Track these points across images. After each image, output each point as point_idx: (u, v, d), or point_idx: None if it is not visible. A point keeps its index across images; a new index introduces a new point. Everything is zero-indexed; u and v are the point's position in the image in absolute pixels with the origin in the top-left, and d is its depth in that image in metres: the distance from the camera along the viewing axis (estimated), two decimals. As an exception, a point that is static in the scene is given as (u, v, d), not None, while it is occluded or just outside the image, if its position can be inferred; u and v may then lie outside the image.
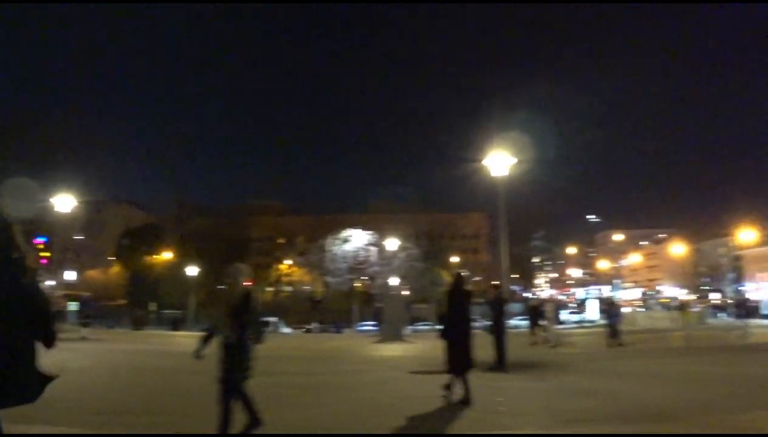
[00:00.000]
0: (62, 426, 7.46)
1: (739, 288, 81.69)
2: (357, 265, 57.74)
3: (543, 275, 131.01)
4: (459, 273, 10.38)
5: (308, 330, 52.71)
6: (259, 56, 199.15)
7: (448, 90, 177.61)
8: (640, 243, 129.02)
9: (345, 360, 19.51)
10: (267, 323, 7.47)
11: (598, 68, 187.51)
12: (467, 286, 10.10)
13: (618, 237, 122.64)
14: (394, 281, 48.60)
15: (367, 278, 58.46)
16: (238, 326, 6.08)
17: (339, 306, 59.21)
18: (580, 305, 75.50)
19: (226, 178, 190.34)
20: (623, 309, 43.60)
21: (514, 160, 18.17)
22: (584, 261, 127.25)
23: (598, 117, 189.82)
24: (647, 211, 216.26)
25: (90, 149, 60.80)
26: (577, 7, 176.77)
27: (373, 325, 45.09)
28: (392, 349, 23.16)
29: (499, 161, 17.72)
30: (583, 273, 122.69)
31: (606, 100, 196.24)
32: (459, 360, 9.33)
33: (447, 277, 60.01)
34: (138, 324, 47.30)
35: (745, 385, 11.43)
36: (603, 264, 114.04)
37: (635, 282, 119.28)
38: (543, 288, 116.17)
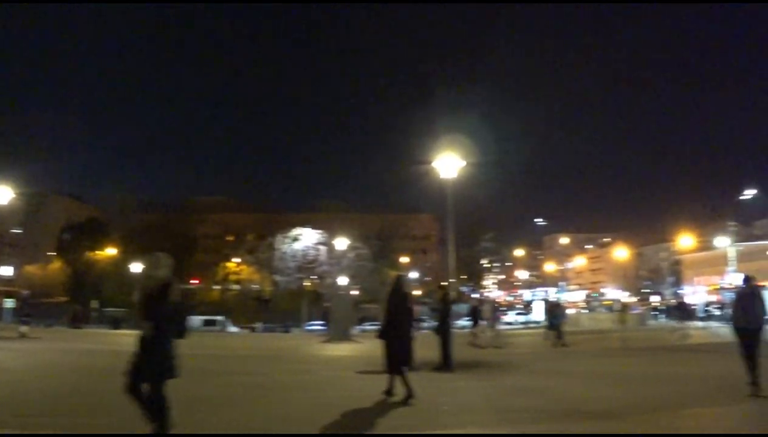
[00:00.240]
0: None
1: (678, 291, 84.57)
2: (306, 264, 57.19)
3: (491, 276, 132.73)
4: (399, 275, 10.48)
5: (254, 330, 52.10)
6: (211, 51, 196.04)
7: (400, 92, 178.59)
8: (585, 246, 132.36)
9: (291, 359, 19.32)
10: (188, 317, 7.24)
11: (548, 74, 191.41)
12: (407, 287, 10.19)
13: (564, 240, 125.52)
14: (343, 281, 48.42)
15: (316, 277, 58.04)
16: (152, 318, 5.71)
17: (287, 305, 58.66)
18: (527, 306, 76.87)
19: (175, 173, 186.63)
20: (568, 311, 44.58)
21: (463, 163, 18.34)
22: (532, 264, 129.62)
23: (548, 122, 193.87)
24: (593, 215, 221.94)
25: (30, 140, 58.81)
26: (526, 10, 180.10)
27: (321, 325, 44.85)
28: (339, 349, 23.05)
29: (448, 163, 17.85)
30: (530, 275, 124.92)
31: (555, 106, 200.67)
32: (397, 359, 9.40)
33: (407, 279, 60.37)
34: (76, 321, 45.45)
35: (683, 383, 11.79)
36: (549, 267, 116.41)
37: (580, 284, 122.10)
38: (491, 290, 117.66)
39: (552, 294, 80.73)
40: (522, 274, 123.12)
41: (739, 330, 10.07)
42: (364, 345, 24.02)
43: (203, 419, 7.94)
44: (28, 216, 74.84)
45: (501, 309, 74.70)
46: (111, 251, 64.28)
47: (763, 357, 9.80)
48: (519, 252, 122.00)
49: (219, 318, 51.45)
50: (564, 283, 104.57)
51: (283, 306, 60.81)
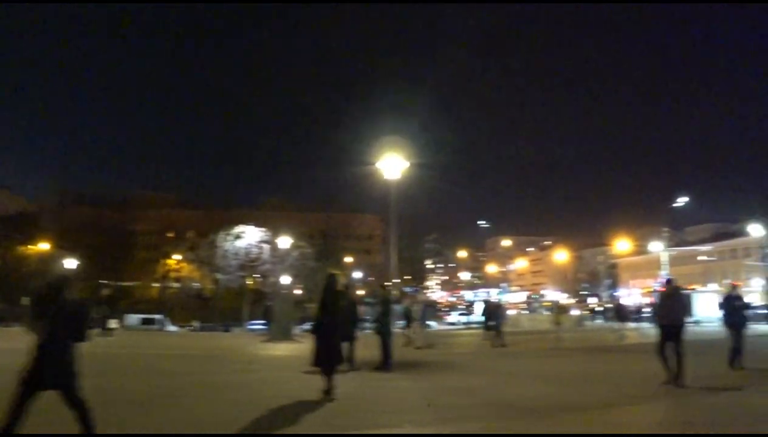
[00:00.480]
0: None
1: (614, 293, 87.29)
2: (249, 263, 56.46)
3: (435, 277, 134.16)
4: (332, 273, 10.55)
5: (194, 329, 51.00)
6: (153, 46, 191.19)
7: (345, 92, 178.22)
8: (527, 249, 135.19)
9: (229, 359, 18.97)
10: (89, 318, 6.87)
11: (493, 78, 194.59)
12: (340, 287, 10.41)
13: (506, 242, 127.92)
14: (286, 280, 48.01)
15: (259, 276, 57.35)
16: (44, 320, 5.35)
17: (229, 304, 57.72)
18: (469, 307, 77.82)
19: (114, 168, 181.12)
20: (508, 312, 45.30)
21: (407, 164, 18.40)
22: (474, 265, 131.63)
23: (492, 126, 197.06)
24: (535, 219, 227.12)
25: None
26: (473, 12, 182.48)
27: (262, 324, 44.25)
28: (280, 349, 22.78)
29: (392, 164, 17.88)
30: (473, 276, 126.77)
31: (499, 110, 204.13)
32: (325, 356, 9.55)
33: (340, 277, 60.17)
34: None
35: (616, 382, 12.15)
36: (492, 268, 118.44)
37: (521, 285, 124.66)
38: (434, 290, 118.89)
39: (494, 295, 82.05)
40: (465, 275, 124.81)
41: (663, 327, 11.03)
42: (305, 345, 23.76)
43: (130, 419, 7.75)
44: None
45: (444, 309, 75.63)
46: (44, 246, 61.80)
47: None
48: (462, 254, 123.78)
49: (157, 316, 50.15)
50: (506, 284, 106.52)
51: (224, 304, 59.82)
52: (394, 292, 18.72)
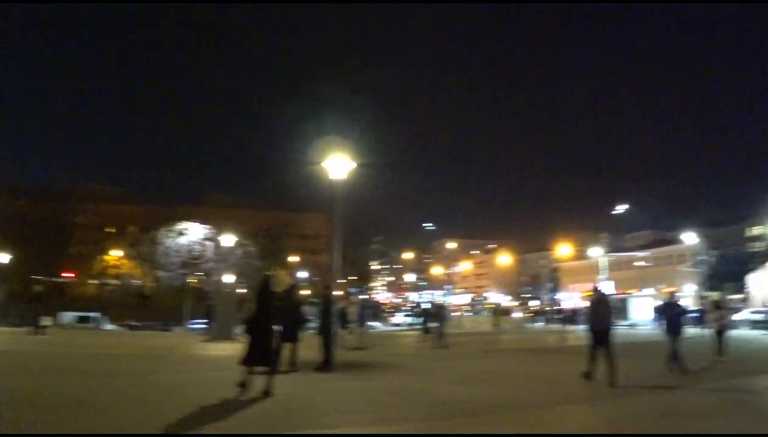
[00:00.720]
0: None
1: (554, 297, 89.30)
2: (191, 260, 55.26)
3: (381, 279, 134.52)
4: (267, 274, 10.75)
5: (132, 327, 49.59)
6: (96, 37, 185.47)
7: (292, 89, 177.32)
8: (472, 252, 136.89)
9: (167, 359, 18.49)
10: None
11: (440, 79, 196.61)
12: (274, 287, 10.59)
13: (451, 245, 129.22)
14: (229, 278, 47.14)
15: (202, 274, 56.20)
16: None
17: (170, 302, 56.33)
18: (414, 308, 78.30)
19: (51, 159, 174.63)
20: (453, 313, 45.74)
21: (354, 164, 18.26)
22: (420, 267, 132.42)
23: (439, 130, 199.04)
24: (480, 222, 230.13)
25: None
26: (417, 12, 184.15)
27: (204, 323, 43.35)
28: (220, 349, 22.35)
29: (338, 164, 17.73)
30: (418, 278, 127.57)
31: (444, 114, 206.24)
32: (256, 355, 9.73)
33: (285, 277, 59.43)
34: None
35: (552, 382, 12.44)
36: (437, 270, 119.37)
37: (466, 287, 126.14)
38: (379, 291, 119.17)
39: (438, 297, 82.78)
40: (410, 277, 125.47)
41: (593, 331, 11.82)
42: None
43: (53, 420, 7.43)
44: None
45: (389, 311, 75.90)
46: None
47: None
48: (408, 256, 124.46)
49: (94, 314, 48.54)
50: (450, 286, 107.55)
51: (164, 303, 58.39)
52: (340, 293, 18.59)
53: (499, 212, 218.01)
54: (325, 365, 13.64)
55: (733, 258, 65.37)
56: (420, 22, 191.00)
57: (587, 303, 13.16)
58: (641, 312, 56.24)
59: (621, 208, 63.12)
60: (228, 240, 44.96)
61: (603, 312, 12.06)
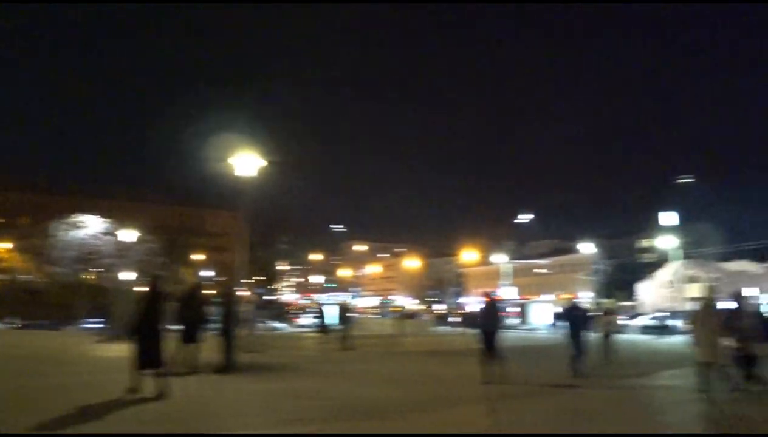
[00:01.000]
0: None
1: (458, 301, 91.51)
2: (87, 255, 52.50)
3: (288, 279, 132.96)
4: (155, 275, 10.77)
5: (15, 326, 46.41)
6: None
7: (202, 84, 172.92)
8: (380, 255, 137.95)
9: (56, 360, 17.44)
10: None
11: (350, 83, 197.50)
12: (163, 288, 10.48)
13: (361, 247, 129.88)
14: (128, 275, 45.15)
15: (100, 270, 53.52)
16: None
17: (62, 299, 53.18)
18: (321, 310, 77.80)
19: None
20: (358, 315, 45.88)
21: (263, 162, 17.98)
22: (328, 268, 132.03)
23: (350, 132, 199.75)
24: (389, 225, 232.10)
25: None
26: (333, 10, 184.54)
27: (99, 323, 41.23)
28: (117, 350, 21.27)
29: (246, 161, 17.41)
30: (326, 280, 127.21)
31: (353, 118, 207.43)
32: (147, 357, 9.57)
33: (188, 275, 57.58)
34: None
35: (456, 383, 12.75)
36: (345, 272, 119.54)
37: (374, 290, 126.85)
38: (285, 292, 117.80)
39: (343, 298, 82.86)
40: (318, 278, 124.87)
41: (483, 332, 12.78)
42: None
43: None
44: None
45: (295, 312, 75.11)
46: None
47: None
48: (316, 257, 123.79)
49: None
50: (359, 289, 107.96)
51: (57, 300, 55.05)
52: (248, 293, 18.17)
53: (409, 217, 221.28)
54: (226, 367, 13.26)
55: (625, 268, 69.41)
56: (338, 23, 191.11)
57: (481, 307, 13.81)
58: (540, 317, 58.56)
59: (525, 218, 65.49)
60: (128, 235, 43.04)
61: (492, 317, 13.11)
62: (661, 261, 60.07)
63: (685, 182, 66.02)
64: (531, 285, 79.72)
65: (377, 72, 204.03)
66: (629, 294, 64.25)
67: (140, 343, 9.62)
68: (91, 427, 7.32)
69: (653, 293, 60.74)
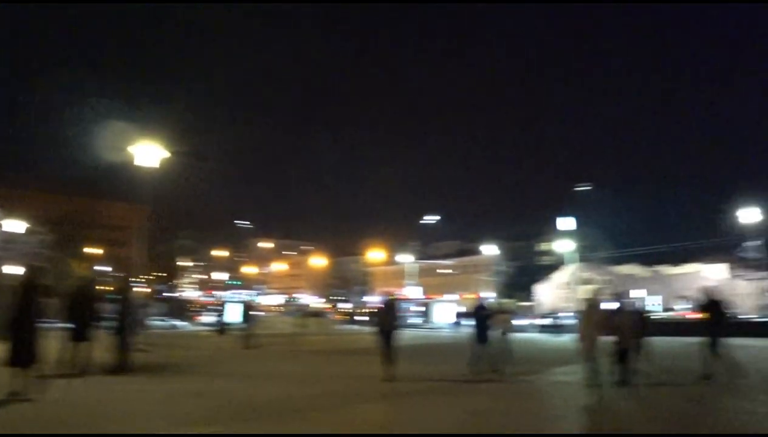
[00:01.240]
0: None
1: (365, 299, 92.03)
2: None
3: (190, 276, 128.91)
4: (32, 266, 10.18)
5: None
6: None
7: (100, 66, 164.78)
8: (286, 252, 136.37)
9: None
10: None
11: (271, 80, 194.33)
12: (41, 280, 9.77)
13: (266, 244, 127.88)
14: (16, 270, 42.24)
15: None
16: None
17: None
18: (224, 308, 76.06)
19: None
20: (263, 314, 45.23)
21: (166, 153, 17.36)
22: (232, 265, 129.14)
23: (258, 127, 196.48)
24: (296, 223, 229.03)
25: None
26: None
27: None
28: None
29: (148, 152, 16.72)
30: (230, 277, 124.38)
31: (264, 112, 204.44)
32: (21, 354, 9.12)
33: (81, 269, 54.60)
34: None
35: (357, 382, 12.71)
36: (250, 269, 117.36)
37: (280, 288, 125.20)
38: (187, 289, 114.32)
39: (247, 296, 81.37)
40: (221, 275, 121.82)
41: (381, 331, 13.16)
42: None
43: None
44: None
45: (197, 309, 73.02)
46: None
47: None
48: (220, 253, 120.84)
49: None
50: (264, 286, 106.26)
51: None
52: (148, 289, 17.43)
53: (316, 215, 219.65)
54: (121, 367, 12.66)
55: (525, 270, 72.30)
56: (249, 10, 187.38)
57: (379, 306, 14.14)
58: (443, 316, 59.87)
59: (431, 219, 66.72)
60: (15, 225, 40.35)
61: (390, 316, 13.40)
62: (558, 263, 62.95)
63: (583, 189, 69.45)
64: (435, 285, 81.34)
65: (289, 68, 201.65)
66: (528, 295, 66.91)
67: (16, 341, 9.10)
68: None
69: (551, 294, 63.63)
